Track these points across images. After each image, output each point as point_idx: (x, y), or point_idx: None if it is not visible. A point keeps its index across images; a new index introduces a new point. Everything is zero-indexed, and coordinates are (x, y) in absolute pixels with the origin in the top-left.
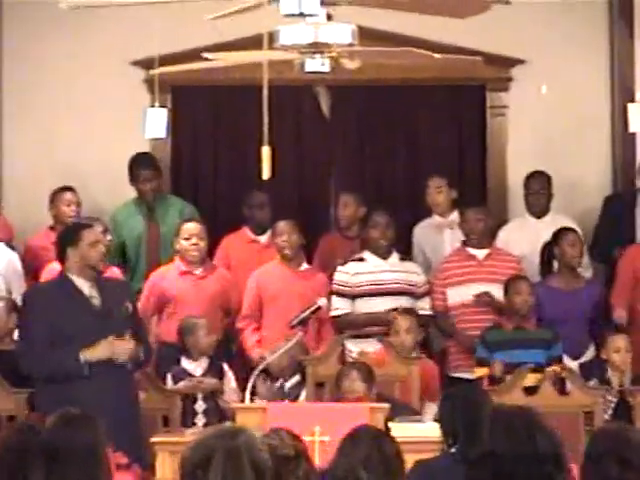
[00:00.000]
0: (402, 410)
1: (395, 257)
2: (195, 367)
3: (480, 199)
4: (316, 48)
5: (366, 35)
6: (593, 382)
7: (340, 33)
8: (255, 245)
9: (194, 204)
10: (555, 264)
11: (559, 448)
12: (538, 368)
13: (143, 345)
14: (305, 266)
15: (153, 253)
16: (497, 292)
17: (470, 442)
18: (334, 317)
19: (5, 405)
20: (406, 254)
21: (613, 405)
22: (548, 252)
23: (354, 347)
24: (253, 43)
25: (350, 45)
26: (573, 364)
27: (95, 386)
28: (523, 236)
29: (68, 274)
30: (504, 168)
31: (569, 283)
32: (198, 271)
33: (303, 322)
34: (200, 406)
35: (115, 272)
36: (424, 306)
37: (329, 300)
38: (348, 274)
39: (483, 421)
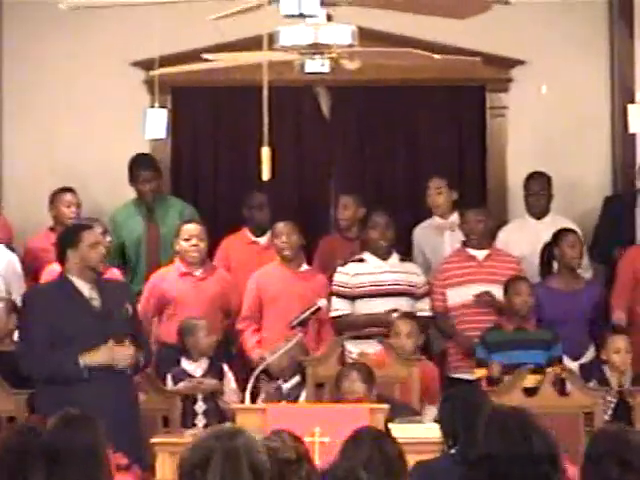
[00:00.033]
0: (402, 410)
1: (395, 258)
2: (195, 368)
3: (480, 200)
4: (316, 49)
5: (366, 36)
6: (592, 383)
7: (340, 34)
8: (255, 246)
9: (194, 205)
10: (555, 265)
11: (554, 448)
12: (538, 369)
13: (143, 348)
14: (305, 267)
15: (153, 254)
16: (497, 293)
17: (470, 443)
18: (334, 318)
19: (5, 406)
20: (406, 255)
21: (613, 406)
22: (548, 253)
23: (354, 348)
24: (253, 44)
25: (350, 46)
26: (573, 365)
27: (95, 388)
28: (523, 237)
29: (68, 275)
30: (504, 169)
31: (569, 284)
32: (198, 272)
33: (303, 323)
34: (200, 407)
35: (115, 273)
36: (424, 307)
37: (329, 301)
38: (348, 275)
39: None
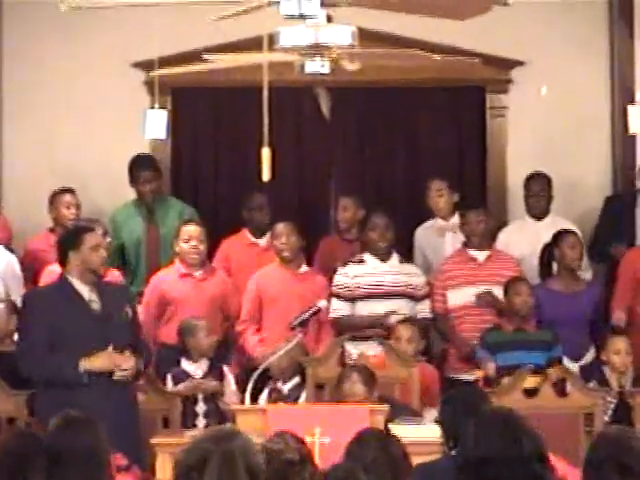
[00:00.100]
0: (402, 411)
1: (395, 259)
2: (195, 369)
3: (480, 200)
4: (316, 50)
5: (366, 37)
6: (592, 384)
7: (340, 35)
8: (255, 248)
9: (194, 206)
10: (555, 266)
11: (543, 448)
12: (538, 370)
13: (142, 355)
14: (305, 268)
15: (153, 255)
16: (497, 294)
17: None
18: (334, 319)
19: (5, 407)
20: (406, 256)
21: (613, 407)
22: (548, 254)
23: (354, 349)
24: (253, 45)
25: (350, 47)
26: (573, 366)
27: (94, 390)
28: (523, 238)
29: (68, 277)
30: (504, 169)
31: (569, 285)
32: (198, 273)
33: (303, 324)
34: (201, 408)
35: (115, 274)
36: (424, 309)
37: (329, 302)
38: (348, 276)
39: None
